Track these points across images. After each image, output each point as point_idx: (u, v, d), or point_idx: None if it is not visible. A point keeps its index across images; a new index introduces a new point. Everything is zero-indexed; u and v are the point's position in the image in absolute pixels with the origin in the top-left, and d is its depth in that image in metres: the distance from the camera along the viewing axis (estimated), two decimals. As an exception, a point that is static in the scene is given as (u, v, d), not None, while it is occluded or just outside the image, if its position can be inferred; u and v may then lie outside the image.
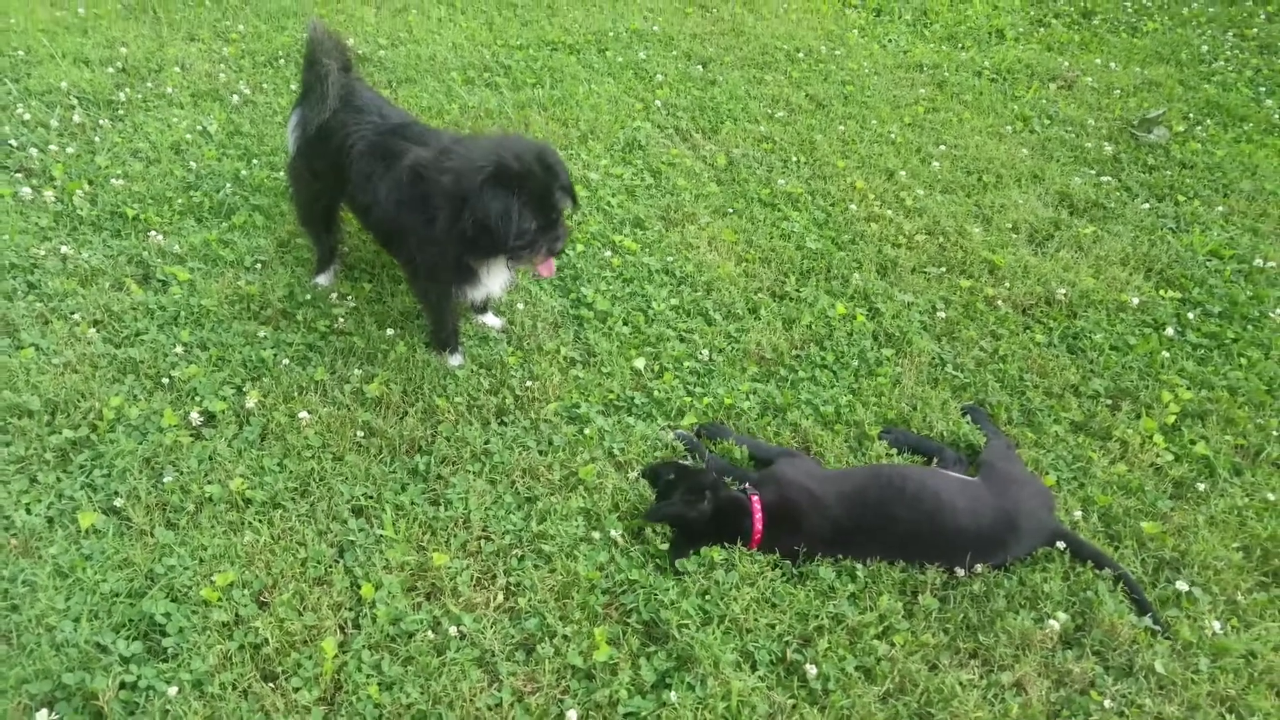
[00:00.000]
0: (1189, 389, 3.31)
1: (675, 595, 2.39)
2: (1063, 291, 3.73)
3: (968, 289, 3.76)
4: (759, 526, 2.54)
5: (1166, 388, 3.30)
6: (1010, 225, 4.20)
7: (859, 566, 2.52)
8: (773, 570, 2.49)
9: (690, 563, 2.48)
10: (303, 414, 2.84)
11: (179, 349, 3.00)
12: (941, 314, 3.60)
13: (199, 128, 4.06)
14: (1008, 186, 4.52)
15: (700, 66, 5.47)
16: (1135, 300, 3.72)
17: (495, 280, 3.00)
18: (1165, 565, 2.66)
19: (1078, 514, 2.78)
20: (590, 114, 4.77)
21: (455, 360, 3.20)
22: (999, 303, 3.70)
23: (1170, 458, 3.02)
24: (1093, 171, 4.70)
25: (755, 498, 2.59)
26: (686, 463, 2.81)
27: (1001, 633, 2.40)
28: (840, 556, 2.56)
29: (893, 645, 2.35)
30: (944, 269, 3.87)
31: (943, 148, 4.81)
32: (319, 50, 3.07)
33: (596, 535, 2.56)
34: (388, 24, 5.30)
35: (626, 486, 2.72)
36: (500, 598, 2.40)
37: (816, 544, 2.55)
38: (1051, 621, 2.42)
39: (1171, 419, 3.17)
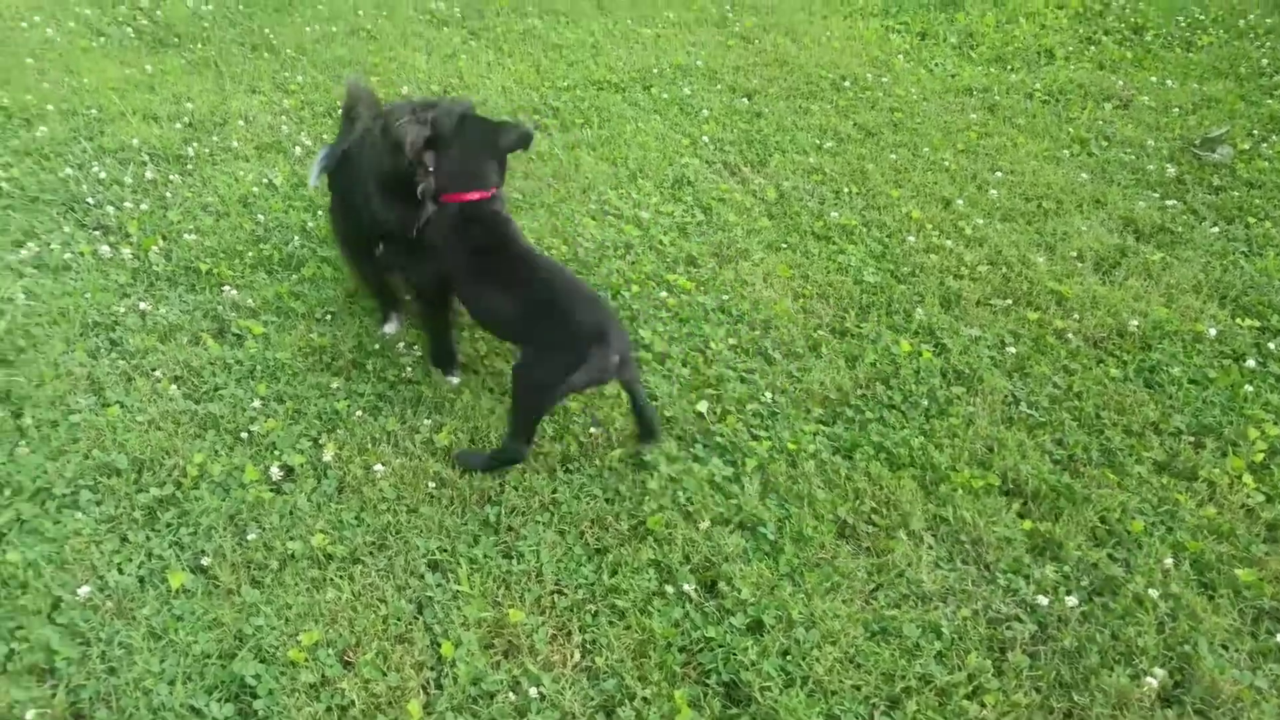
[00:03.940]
0: (1276, 424, 3.23)
1: (755, 655, 2.38)
2: (1135, 323, 3.67)
3: (1036, 321, 3.71)
4: None
5: (1252, 423, 3.22)
6: (1075, 253, 4.14)
7: (944, 622, 2.50)
8: (855, 628, 2.47)
9: (769, 617, 2.47)
10: (377, 466, 2.89)
11: (256, 403, 3.08)
12: (1011, 349, 3.56)
13: (265, 180, 4.16)
14: (1069, 213, 4.47)
15: (745, 99, 5.50)
16: (1212, 330, 3.65)
17: None
18: (1265, 615, 2.59)
19: (1169, 562, 2.71)
20: (638, 152, 4.81)
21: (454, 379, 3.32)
22: (1069, 336, 3.65)
23: (1261, 498, 2.94)
24: (1156, 195, 4.63)
25: None
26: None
27: (1097, 691, 2.35)
28: None
29: (984, 706, 2.31)
30: (1010, 301, 3.83)
31: (999, 174, 4.77)
32: (356, 103, 3.25)
33: (670, 589, 2.57)
34: (439, 70, 5.40)
35: (697, 537, 2.72)
36: (577, 655, 2.41)
37: None
38: (1149, 678, 2.36)
39: (1259, 456, 3.09)
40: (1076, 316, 3.76)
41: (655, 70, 5.70)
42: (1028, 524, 2.86)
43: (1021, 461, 3.06)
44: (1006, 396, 3.36)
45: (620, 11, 6.47)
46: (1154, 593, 2.57)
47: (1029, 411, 3.30)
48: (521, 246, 3.11)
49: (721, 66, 5.83)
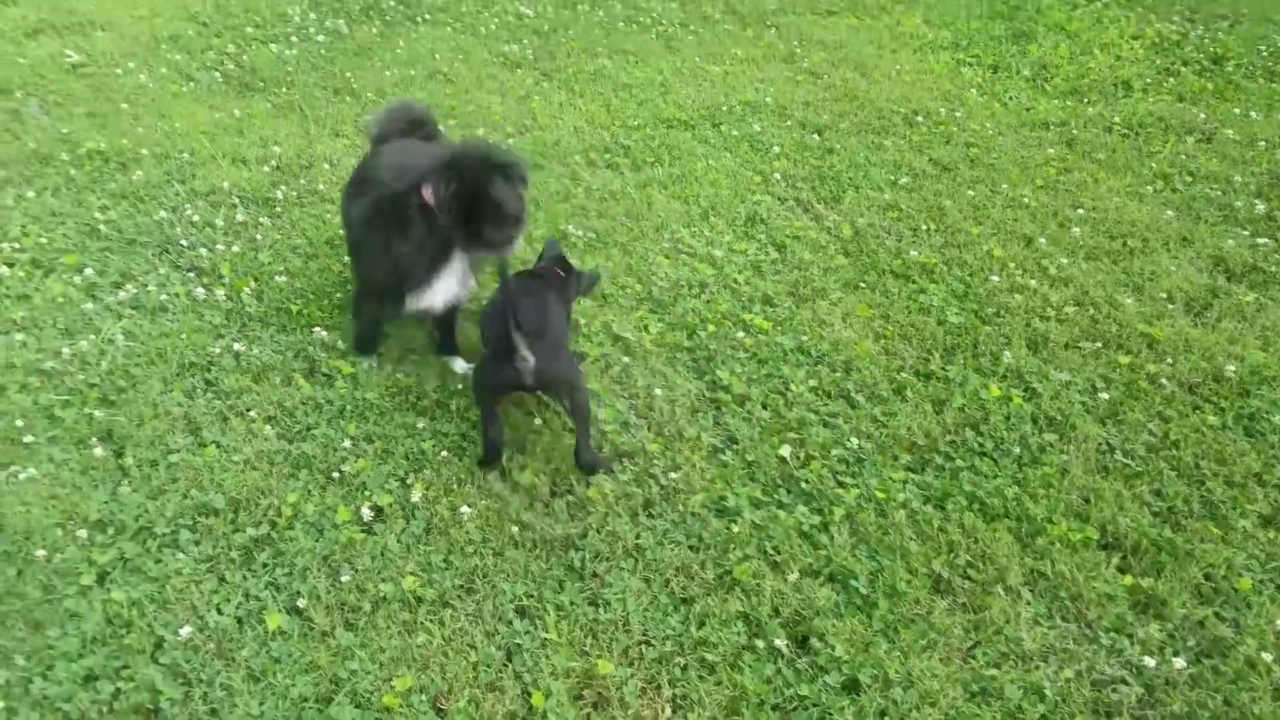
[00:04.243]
0: (1386, 476, 3.10)
1: (852, 716, 2.33)
2: (1231, 367, 3.56)
3: (1127, 365, 3.62)
4: None
5: (1361, 474, 3.10)
6: (1164, 294, 4.04)
7: (1046, 683, 2.43)
8: (954, 688, 2.42)
9: (865, 676, 2.43)
10: (464, 508, 2.92)
11: (347, 443, 3.13)
12: (1103, 394, 3.48)
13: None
14: (1155, 251, 4.36)
15: (816, 135, 5.49)
16: (1312, 376, 3.53)
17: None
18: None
19: (1280, 623, 2.61)
20: (710, 190, 4.82)
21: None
22: (1163, 381, 3.55)
23: (1376, 553, 2.83)
24: (1246, 232, 4.51)
25: None
26: None
27: (1208, 758, 2.27)
28: None
29: (1091, 771, 2.24)
30: (1099, 343, 3.75)
31: (1081, 211, 4.68)
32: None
33: (760, 644, 2.54)
34: (513, 111, 5.49)
35: (786, 589, 2.69)
36: (668, 711, 2.39)
37: None
38: (1262, 745, 2.28)
39: (1371, 509, 2.97)
40: (1169, 360, 3.66)
41: (724, 107, 5.73)
42: (1129, 579, 2.77)
43: (1120, 513, 2.97)
44: (1101, 444, 3.28)
45: (688, 50, 6.52)
46: (1267, 656, 2.47)
47: (1125, 461, 3.22)
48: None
49: (791, 102, 5.83)
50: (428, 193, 3.04)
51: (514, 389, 3.08)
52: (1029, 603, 2.69)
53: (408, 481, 3.02)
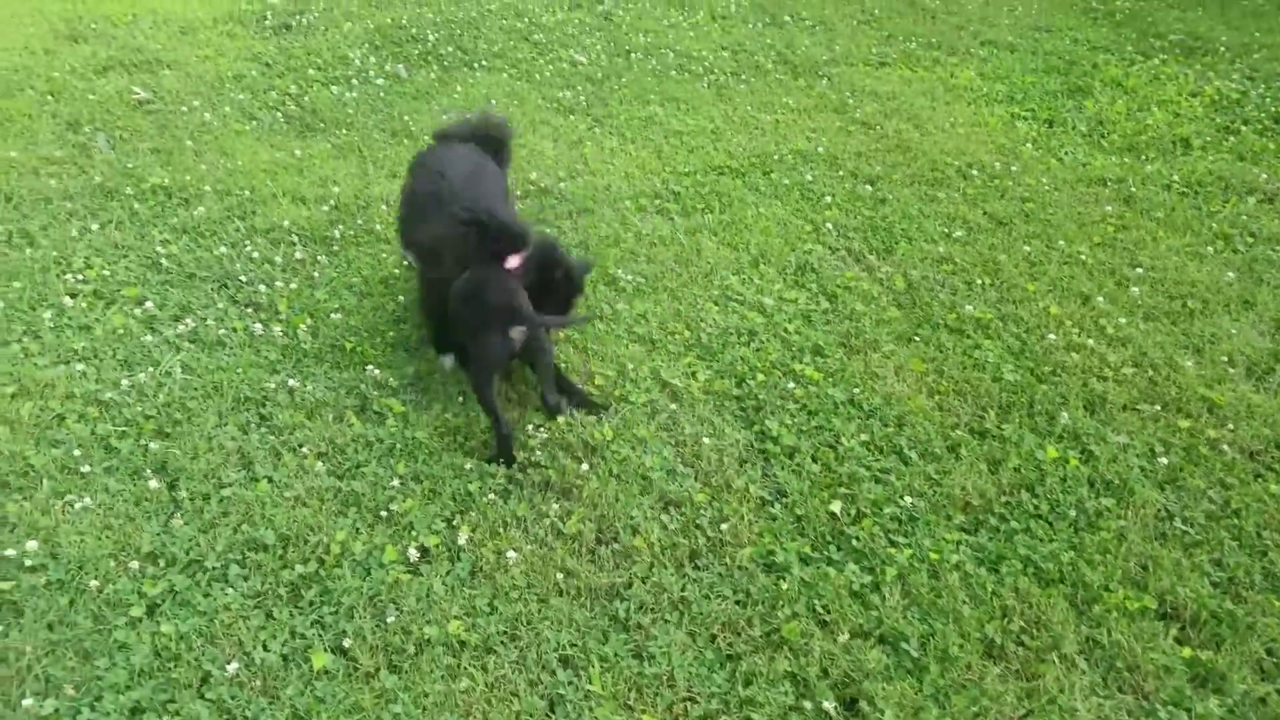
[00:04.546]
0: None
1: (908, 781, 2.27)
2: (1296, 436, 3.47)
3: (1187, 430, 3.54)
4: None
5: None
6: (1225, 357, 3.96)
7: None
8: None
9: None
10: (510, 553, 2.90)
11: (396, 481, 3.14)
12: (1162, 459, 3.39)
13: (405, 262, 4.32)
14: (1216, 313, 4.28)
15: (868, 185, 5.48)
16: (1381, 447, 3.42)
17: None
18: None
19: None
20: (760, 238, 4.82)
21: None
22: (1224, 447, 3.46)
23: None
24: (1310, 296, 4.41)
25: None
26: None
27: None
28: None
29: None
30: (1158, 406, 3.67)
31: (1139, 270, 4.61)
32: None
33: (807, 705, 2.48)
34: (565, 157, 5.55)
35: (835, 650, 2.63)
36: (715, 768, 2.35)
37: None
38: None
39: None
40: (1231, 426, 3.57)
41: (775, 156, 5.75)
42: (1187, 651, 2.69)
43: (1179, 582, 2.89)
44: (1160, 511, 3.20)
45: (740, 99, 6.57)
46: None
47: (1184, 528, 3.13)
48: None
49: (843, 152, 5.84)
50: (513, 261, 3.46)
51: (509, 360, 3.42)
52: (1084, 672, 2.62)
53: (454, 523, 3.02)
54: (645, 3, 8.38)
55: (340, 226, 4.59)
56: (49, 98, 5.64)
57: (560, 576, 2.86)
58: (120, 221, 4.51)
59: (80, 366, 3.55)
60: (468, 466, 3.25)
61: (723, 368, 3.83)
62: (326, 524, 2.95)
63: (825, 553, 3.00)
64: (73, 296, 3.93)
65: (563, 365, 3.73)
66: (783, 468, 3.34)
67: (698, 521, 3.09)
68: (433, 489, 3.14)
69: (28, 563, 2.74)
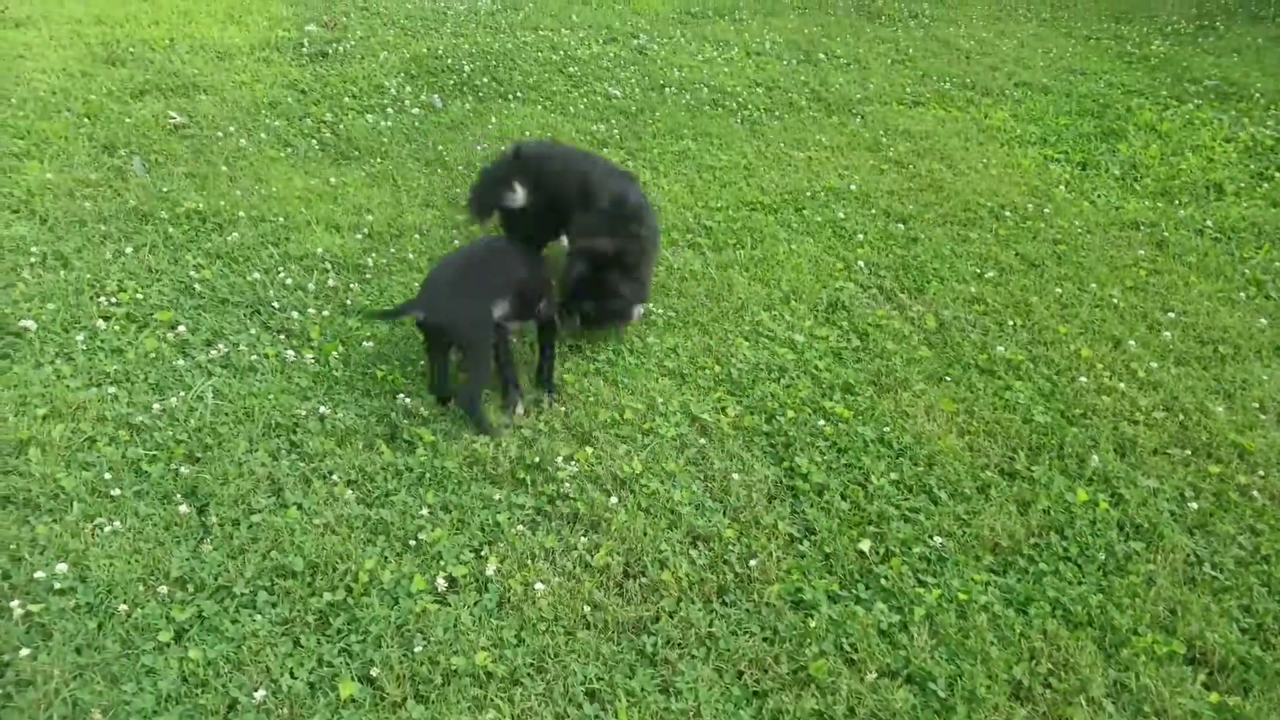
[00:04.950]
0: None
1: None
2: (1330, 485, 3.42)
3: (1217, 475, 3.50)
4: None
5: None
6: (1256, 404, 3.92)
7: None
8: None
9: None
10: (538, 584, 2.89)
11: (425, 511, 3.15)
12: (1192, 504, 3.35)
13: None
14: (1247, 359, 4.24)
15: (900, 224, 5.48)
16: None
17: None
18: None
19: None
20: (791, 274, 4.83)
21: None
22: (1254, 493, 3.42)
23: None
24: (1345, 345, 4.36)
25: None
26: None
27: None
28: None
29: None
30: (1188, 451, 3.63)
31: (1171, 314, 4.58)
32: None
33: (838, 744, 2.45)
34: (600, 188, 5.59)
35: (863, 689, 2.60)
36: (743, 809, 2.31)
37: None
38: None
39: None
40: (1261, 473, 3.54)
41: (808, 193, 5.77)
42: (1215, 697, 2.67)
43: (1207, 628, 2.87)
44: (1189, 555, 3.17)
45: (772, 135, 6.61)
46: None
47: (1213, 573, 3.10)
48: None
49: (875, 191, 5.85)
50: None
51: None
52: (1111, 716, 2.61)
53: (482, 553, 3.02)
54: (680, 38, 8.48)
55: (373, 255, 4.64)
56: (85, 120, 5.73)
57: (588, 609, 2.85)
58: (154, 245, 4.55)
59: (112, 389, 3.57)
60: (496, 497, 3.25)
61: (753, 403, 3.83)
62: (355, 552, 2.95)
63: (854, 591, 2.97)
64: (106, 319, 3.96)
65: (591, 399, 3.75)
66: (812, 505, 3.32)
67: (726, 557, 3.07)
68: (461, 519, 3.15)
69: (57, 585, 2.76)
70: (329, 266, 4.51)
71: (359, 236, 4.80)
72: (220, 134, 5.83)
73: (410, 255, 4.66)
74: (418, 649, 2.65)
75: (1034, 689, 2.67)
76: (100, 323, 3.93)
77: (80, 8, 7.71)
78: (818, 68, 8.04)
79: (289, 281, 4.36)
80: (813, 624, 2.83)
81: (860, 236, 5.27)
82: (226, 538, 2.98)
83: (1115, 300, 4.69)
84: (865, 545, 3.14)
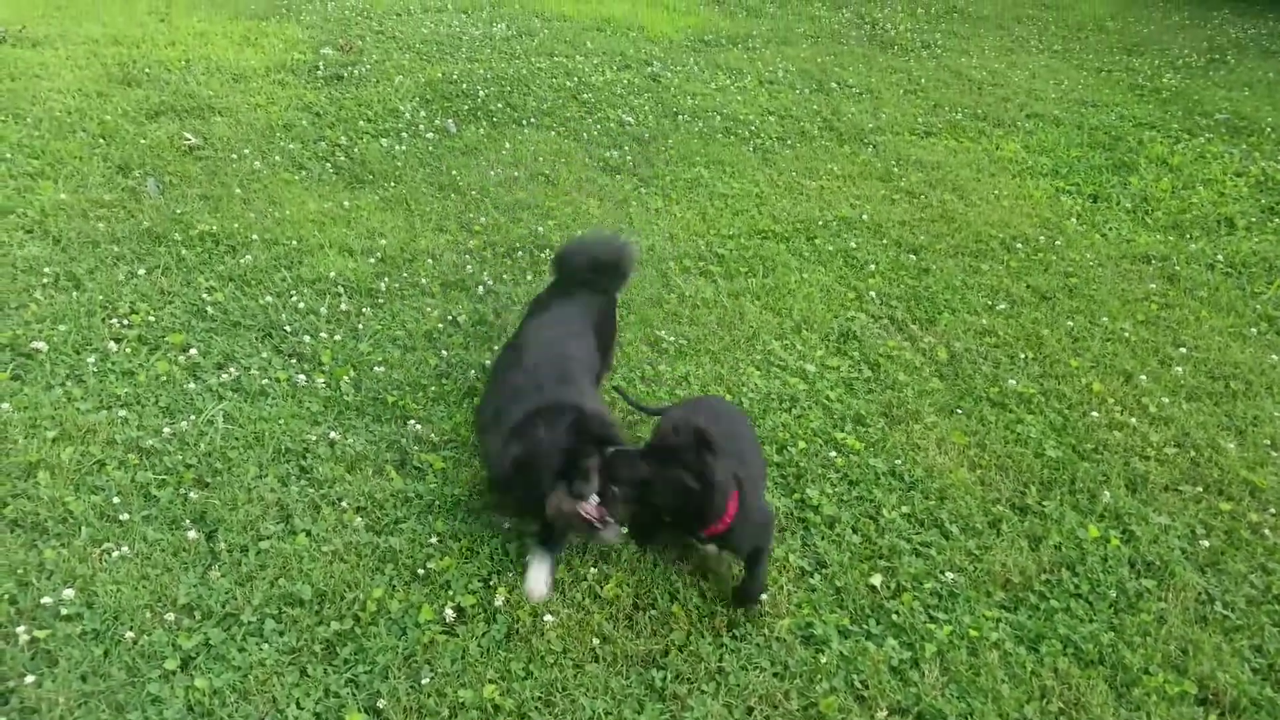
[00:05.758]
0: None
1: None
2: (1345, 525, 3.39)
3: (1229, 513, 3.48)
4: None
5: None
6: (1268, 441, 3.90)
7: None
8: None
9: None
10: (547, 616, 2.88)
11: (434, 539, 3.14)
12: (1204, 541, 3.33)
13: (449, 317, 4.36)
14: (1259, 395, 4.22)
15: (912, 254, 5.48)
16: None
17: None
18: None
19: None
20: (803, 303, 4.82)
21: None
22: (1266, 531, 3.40)
23: None
24: (1360, 382, 4.33)
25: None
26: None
27: None
28: None
29: None
30: (1200, 488, 3.61)
31: (1183, 349, 4.56)
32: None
33: (850, 784, 2.42)
34: (611, 215, 5.62)
35: (876, 727, 2.58)
36: None
37: None
38: None
39: None
40: (1273, 510, 3.52)
41: (819, 222, 5.78)
42: (1228, 739, 2.62)
43: (1219, 668, 2.84)
44: (1200, 594, 3.15)
45: (784, 164, 6.63)
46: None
47: (1225, 612, 3.08)
48: None
49: (887, 221, 5.86)
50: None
51: None
52: (1126, 759, 2.55)
53: (491, 583, 3.01)
54: (693, 65, 8.53)
55: (386, 279, 4.65)
56: (101, 140, 5.75)
57: (596, 642, 2.83)
58: (167, 267, 4.55)
59: (122, 412, 3.56)
60: (506, 525, 3.24)
61: (763, 434, 3.81)
62: (363, 580, 2.94)
63: (865, 626, 2.95)
64: (117, 341, 3.96)
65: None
66: (823, 537, 3.30)
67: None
68: (471, 548, 3.13)
69: (64, 611, 2.74)
70: (341, 290, 4.52)
71: (372, 260, 4.81)
72: (235, 156, 5.86)
73: (423, 280, 4.67)
74: (425, 680, 2.64)
75: (1045, 729, 2.65)
76: (112, 345, 3.93)
77: (97, 28, 7.79)
78: (830, 97, 8.08)
79: (301, 305, 4.37)
80: (823, 660, 2.81)
81: (872, 266, 5.27)
82: (235, 564, 2.97)
83: (1126, 334, 4.68)
84: (876, 579, 3.12)
